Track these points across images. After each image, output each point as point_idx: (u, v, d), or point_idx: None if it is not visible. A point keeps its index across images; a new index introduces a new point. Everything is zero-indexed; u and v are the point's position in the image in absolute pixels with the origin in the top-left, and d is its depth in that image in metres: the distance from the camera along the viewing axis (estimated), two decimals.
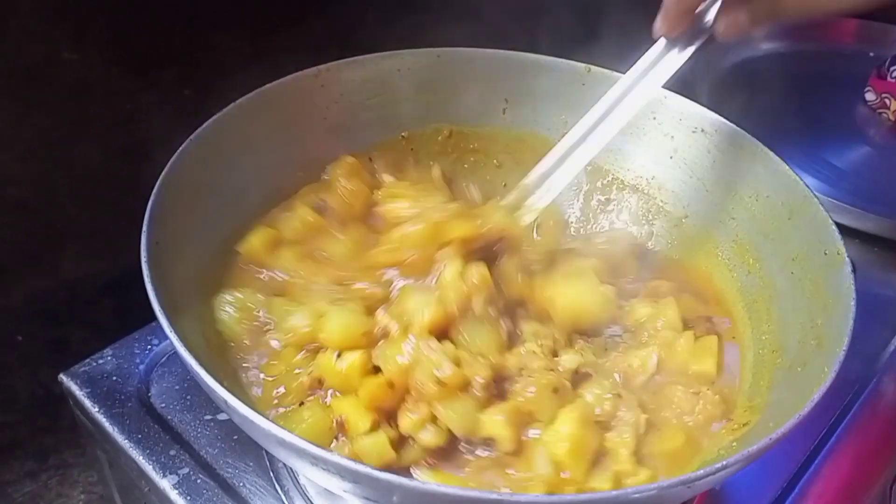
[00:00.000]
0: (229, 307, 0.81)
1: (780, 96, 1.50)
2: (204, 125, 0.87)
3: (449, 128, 1.06)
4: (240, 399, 0.60)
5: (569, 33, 1.08)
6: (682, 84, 1.17)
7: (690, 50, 0.85)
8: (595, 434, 0.74)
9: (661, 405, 0.80)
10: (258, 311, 0.82)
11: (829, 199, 1.20)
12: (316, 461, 0.57)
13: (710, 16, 0.83)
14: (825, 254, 0.80)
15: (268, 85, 0.94)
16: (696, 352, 0.85)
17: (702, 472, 0.57)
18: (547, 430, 0.73)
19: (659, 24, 0.82)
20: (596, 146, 0.88)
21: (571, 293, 0.83)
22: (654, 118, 1.01)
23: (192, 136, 0.85)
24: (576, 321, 0.84)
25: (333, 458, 0.56)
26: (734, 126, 0.95)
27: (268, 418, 0.58)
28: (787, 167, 0.89)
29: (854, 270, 1.14)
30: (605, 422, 0.76)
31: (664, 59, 0.86)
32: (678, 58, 0.86)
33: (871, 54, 1.60)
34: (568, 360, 0.80)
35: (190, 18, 1.08)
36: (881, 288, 1.17)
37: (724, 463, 0.58)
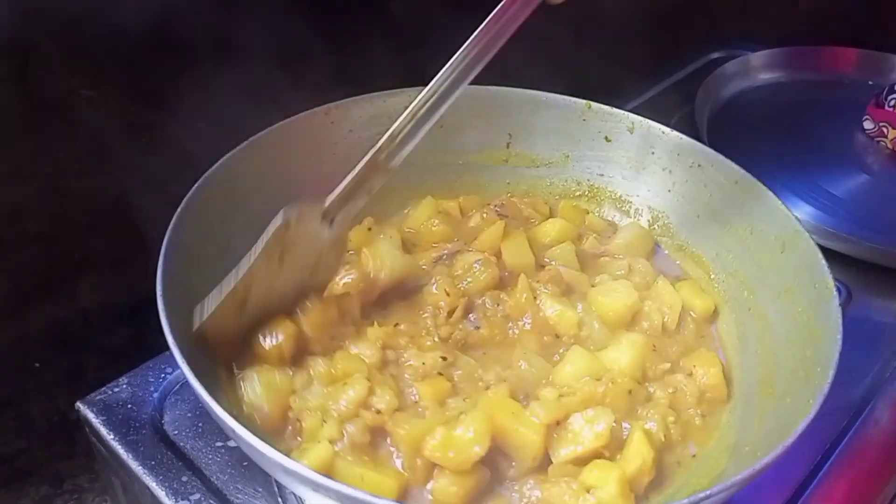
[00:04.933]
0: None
1: (779, 125, 1.52)
2: (219, 161, 0.90)
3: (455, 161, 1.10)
4: (247, 428, 0.63)
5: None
6: (681, 116, 1.20)
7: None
8: None
9: None
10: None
11: (827, 227, 1.22)
12: (318, 488, 0.60)
13: None
14: (815, 287, 0.83)
15: (280, 122, 0.98)
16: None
17: (686, 500, 0.59)
18: None
19: None
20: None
21: None
22: (653, 153, 1.04)
23: (206, 173, 0.88)
24: None
25: (335, 485, 0.59)
26: (729, 161, 0.98)
27: (273, 447, 0.61)
28: (780, 202, 0.92)
29: (850, 297, 1.16)
30: None
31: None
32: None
33: (870, 83, 1.63)
34: None
35: (204, 56, 1.12)
36: (878, 315, 1.18)
37: (709, 492, 0.60)
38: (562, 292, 0.93)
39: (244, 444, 0.64)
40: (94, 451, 0.97)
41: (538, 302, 0.91)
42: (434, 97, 0.82)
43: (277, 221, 0.80)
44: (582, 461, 0.75)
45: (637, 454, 0.75)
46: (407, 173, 1.06)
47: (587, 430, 0.76)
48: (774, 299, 0.89)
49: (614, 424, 0.76)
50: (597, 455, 0.76)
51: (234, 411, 0.67)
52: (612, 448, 0.76)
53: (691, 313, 0.96)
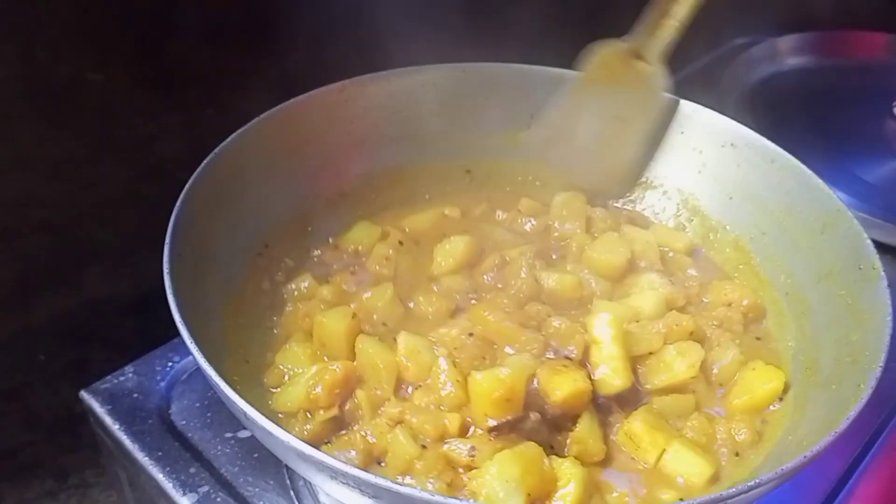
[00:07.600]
0: None
1: (808, 111, 1.48)
2: (229, 139, 0.87)
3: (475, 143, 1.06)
4: (259, 411, 0.59)
5: None
6: (709, 100, 1.16)
7: None
8: None
9: None
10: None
11: (860, 213, 1.16)
12: (335, 475, 0.56)
13: None
14: (860, 268, 0.78)
15: (292, 100, 0.94)
16: None
17: (734, 489, 0.55)
18: None
19: None
20: None
21: None
22: (682, 133, 1.00)
23: (216, 150, 0.85)
24: None
25: (353, 471, 0.54)
26: (765, 140, 0.93)
27: (287, 431, 0.57)
28: (820, 181, 0.88)
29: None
30: None
31: None
32: None
33: None
34: None
35: (213, 39, 1.09)
36: None
37: (758, 481, 0.56)
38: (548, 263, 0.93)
39: (257, 428, 0.60)
40: (99, 442, 0.94)
41: (522, 273, 0.89)
42: None
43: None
44: (672, 391, 0.79)
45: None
46: (427, 154, 1.03)
47: (679, 362, 0.79)
48: (815, 283, 0.85)
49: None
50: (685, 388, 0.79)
51: (246, 397, 0.62)
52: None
53: (670, 253, 0.97)
